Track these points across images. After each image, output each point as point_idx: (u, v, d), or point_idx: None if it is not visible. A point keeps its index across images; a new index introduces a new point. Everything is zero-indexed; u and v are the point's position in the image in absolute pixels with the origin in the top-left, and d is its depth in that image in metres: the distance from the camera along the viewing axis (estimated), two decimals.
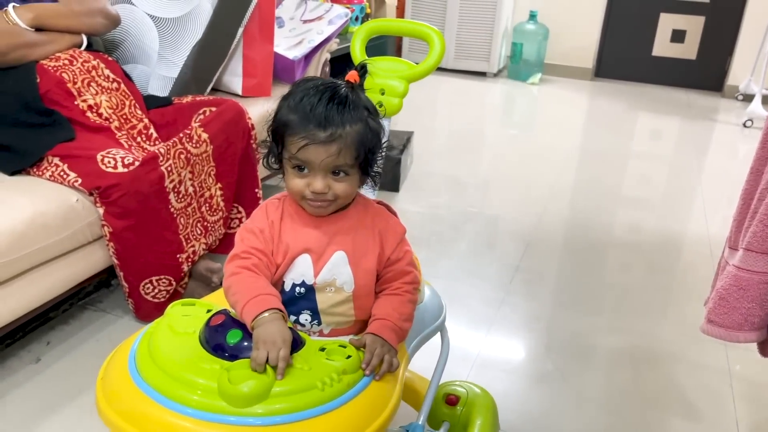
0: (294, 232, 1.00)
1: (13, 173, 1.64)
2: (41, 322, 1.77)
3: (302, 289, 0.99)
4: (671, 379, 1.75)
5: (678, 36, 5.09)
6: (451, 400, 1.36)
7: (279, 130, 0.96)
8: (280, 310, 0.91)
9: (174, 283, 1.76)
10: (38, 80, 1.71)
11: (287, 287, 1.00)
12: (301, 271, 0.99)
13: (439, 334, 1.24)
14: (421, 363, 1.24)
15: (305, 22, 2.73)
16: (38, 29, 1.76)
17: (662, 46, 5.16)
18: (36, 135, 1.67)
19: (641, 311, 2.08)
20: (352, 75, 0.99)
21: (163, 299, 1.76)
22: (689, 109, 4.62)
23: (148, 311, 1.76)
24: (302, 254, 0.99)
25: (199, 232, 1.83)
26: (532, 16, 5.01)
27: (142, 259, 1.68)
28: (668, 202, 3.04)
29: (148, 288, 1.73)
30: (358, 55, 1.32)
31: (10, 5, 1.72)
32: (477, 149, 3.75)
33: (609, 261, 2.45)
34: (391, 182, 2.85)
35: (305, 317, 1.01)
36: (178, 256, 1.75)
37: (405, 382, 1.18)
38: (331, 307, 1.00)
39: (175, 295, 1.80)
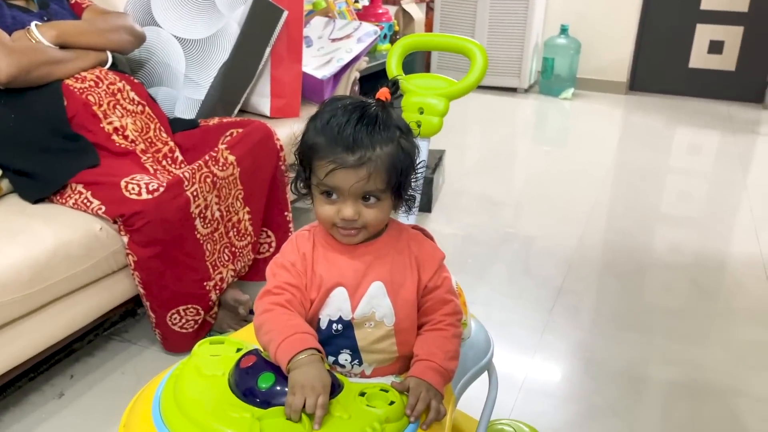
0: (327, 263, 0.92)
1: (36, 201, 1.60)
2: (65, 354, 1.71)
3: (339, 326, 0.91)
4: (732, 414, 1.62)
5: (716, 47, 4.94)
6: None
7: (306, 153, 0.88)
8: (318, 351, 0.83)
9: (202, 312, 1.69)
10: (65, 103, 1.67)
11: (323, 324, 0.91)
12: (337, 306, 0.91)
13: (486, 372, 1.15)
14: (466, 396, 1.13)
15: (334, 40, 2.67)
16: (63, 47, 1.72)
17: (699, 58, 5.01)
18: (60, 161, 1.63)
19: (693, 338, 1.95)
20: (383, 93, 0.90)
21: (191, 329, 1.69)
22: (730, 122, 4.45)
23: (176, 342, 1.69)
24: (337, 287, 0.91)
25: (227, 258, 1.76)
26: (564, 30, 4.91)
27: (169, 289, 1.62)
28: (713, 221, 2.89)
29: (175, 318, 1.66)
30: (394, 71, 1.25)
31: (33, 23, 1.69)
32: (510, 167, 3.65)
33: (654, 283, 2.33)
34: (424, 203, 2.76)
35: (345, 357, 0.92)
36: (205, 284, 1.68)
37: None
38: (372, 344, 0.91)
39: (204, 326, 1.73)
